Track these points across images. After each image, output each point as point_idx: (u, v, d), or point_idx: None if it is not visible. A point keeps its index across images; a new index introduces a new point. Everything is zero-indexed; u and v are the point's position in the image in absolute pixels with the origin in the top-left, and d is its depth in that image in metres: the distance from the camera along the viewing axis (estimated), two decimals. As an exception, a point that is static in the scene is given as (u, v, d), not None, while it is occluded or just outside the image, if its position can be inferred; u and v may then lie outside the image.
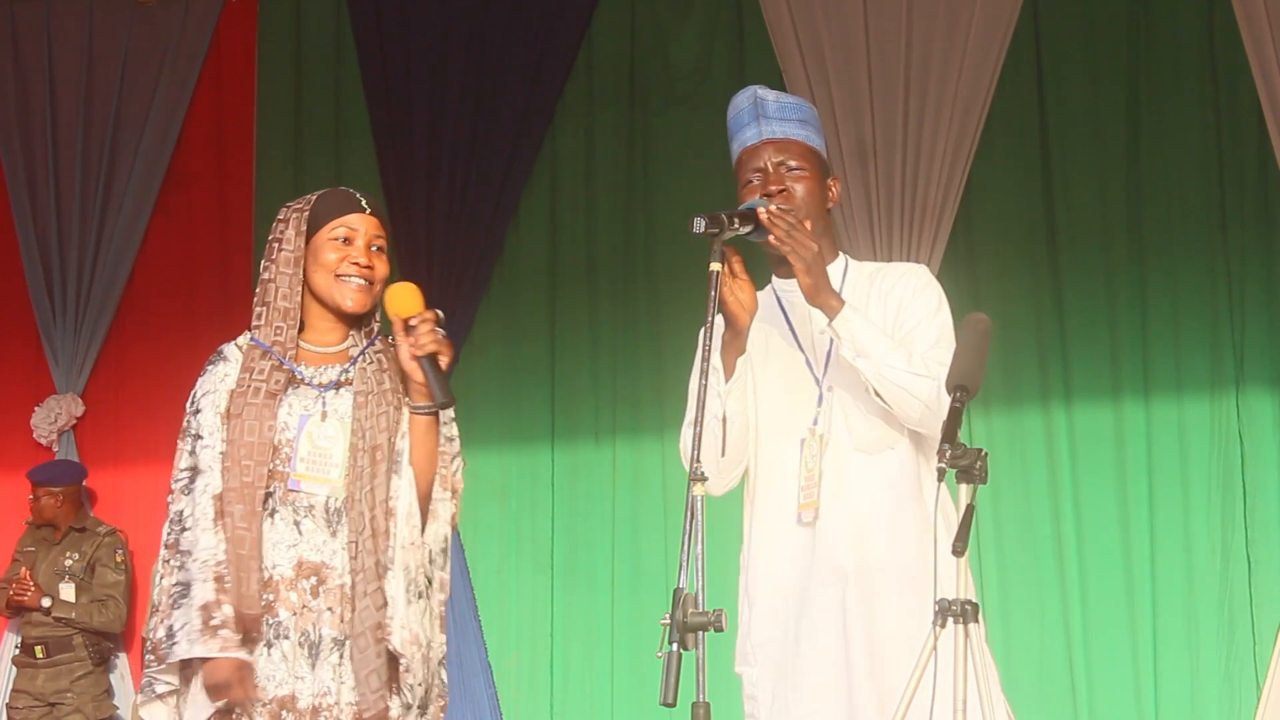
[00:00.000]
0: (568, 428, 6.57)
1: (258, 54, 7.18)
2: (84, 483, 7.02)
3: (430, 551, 3.25)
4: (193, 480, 3.21)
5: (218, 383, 3.26)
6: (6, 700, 6.77)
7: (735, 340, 3.21)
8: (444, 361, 3.22)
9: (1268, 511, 5.76)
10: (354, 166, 6.82)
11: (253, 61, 7.19)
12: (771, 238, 3.15)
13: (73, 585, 6.74)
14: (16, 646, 6.81)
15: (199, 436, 3.23)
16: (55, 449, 7.14)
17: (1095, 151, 6.10)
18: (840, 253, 3.40)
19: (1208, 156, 5.97)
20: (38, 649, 6.70)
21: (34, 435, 7.17)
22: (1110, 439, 5.94)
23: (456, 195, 6.68)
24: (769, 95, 3.35)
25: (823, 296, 3.17)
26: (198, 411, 3.26)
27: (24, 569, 6.75)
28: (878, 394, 3.15)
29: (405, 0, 6.84)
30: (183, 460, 3.25)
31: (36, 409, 7.17)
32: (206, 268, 6.99)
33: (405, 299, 3.25)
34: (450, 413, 3.31)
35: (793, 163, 3.30)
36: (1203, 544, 5.79)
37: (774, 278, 3.42)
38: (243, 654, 3.11)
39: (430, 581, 3.24)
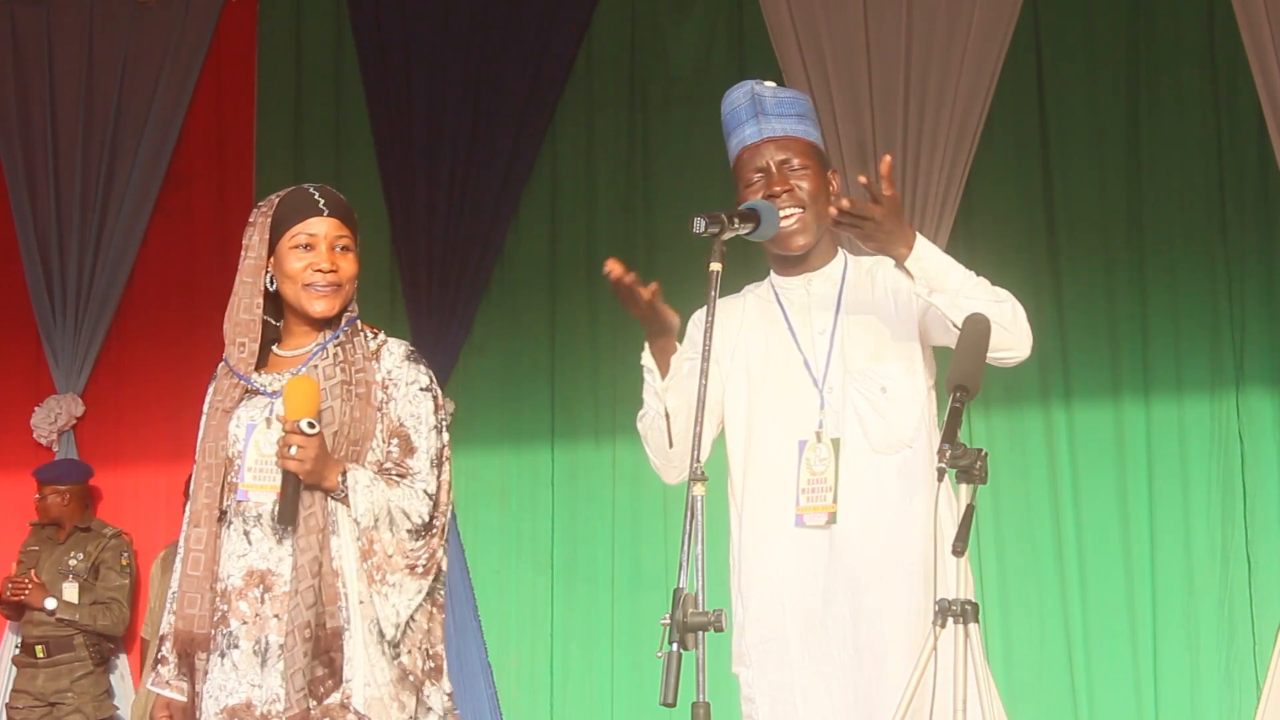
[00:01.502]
0: (568, 428, 6.57)
1: (258, 54, 7.18)
2: (89, 482, 7.02)
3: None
4: None
5: (206, 404, 3.31)
6: (6, 700, 6.76)
7: (657, 341, 3.25)
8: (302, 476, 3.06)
9: (1268, 511, 5.75)
10: (354, 166, 6.81)
11: (253, 61, 7.19)
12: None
13: (75, 585, 6.74)
14: (17, 646, 6.81)
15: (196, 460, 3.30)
16: (55, 449, 7.13)
17: (1095, 151, 6.09)
18: (839, 249, 3.38)
19: (1208, 156, 5.96)
20: (38, 648, 6.70)
21: (34, 435, 7.16)
22: (1110, 439, 5.93)
23: (456, 195, 6.67)
24: (766, 91, 3.30)
25: (896, 246, 3.09)
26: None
27: (29, 569, 6.75)
28: (955, 326, 3.04)
29: (405, 0, 6.83)
30: None
31: (36, 409, 7.17)
32: (206, 268, 6.98)
33: (294, 397, 3.10)
34: (431, 481, 3.17)
35: (796, 161, 3.26)
36: (1203, 544, 5.79)
37: (772, 274, 3.39)
38: (172, 693, 3.20)
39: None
